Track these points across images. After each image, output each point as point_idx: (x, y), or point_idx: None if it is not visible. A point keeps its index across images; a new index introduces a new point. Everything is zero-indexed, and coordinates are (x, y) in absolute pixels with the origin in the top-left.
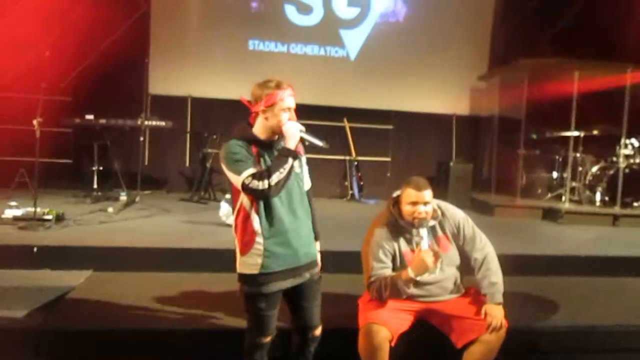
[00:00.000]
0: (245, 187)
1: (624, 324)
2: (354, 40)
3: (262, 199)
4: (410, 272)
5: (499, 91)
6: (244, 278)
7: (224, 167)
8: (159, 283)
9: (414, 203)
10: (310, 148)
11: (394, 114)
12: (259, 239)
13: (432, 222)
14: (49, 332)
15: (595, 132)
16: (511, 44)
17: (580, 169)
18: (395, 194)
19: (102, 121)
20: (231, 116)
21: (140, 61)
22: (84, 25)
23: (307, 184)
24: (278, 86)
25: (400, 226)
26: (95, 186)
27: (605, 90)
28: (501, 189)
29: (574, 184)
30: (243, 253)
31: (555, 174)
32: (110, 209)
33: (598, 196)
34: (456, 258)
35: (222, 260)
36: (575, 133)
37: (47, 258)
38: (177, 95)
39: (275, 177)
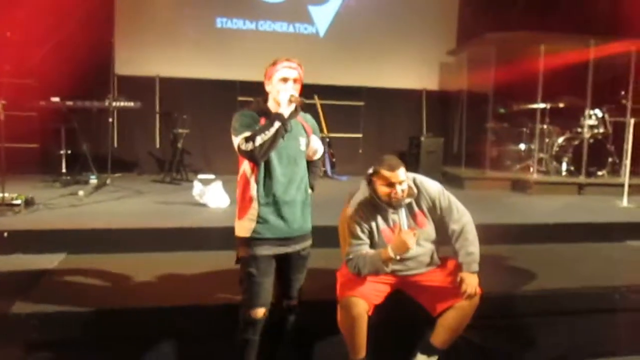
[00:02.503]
0: (239, 149)
1: (590, 286)
2: (322, 17)
3: (252, 161)
4: (390, 252)
5: (467, 65)
6: (239, 241)
7: (231, 133)
8: (136, 264)
9: (390, 184)
10: None
11: (365, 90)
12: (255, 205)
13: (408, 200)
14: (27, 316)
15: (560, 105)
16: (478, 18)
17: (547, 140)
18: (369, 171)
19: (69, 103)
20: (200, 95)
21: (105, 41)
22: (46, 4)
23: (319, 152)
24: (276, 61)
25: (376, 204)
26: (63, 170)
27: (570, 64)
28: (471, 162)
29: (541, 155)
30: (240, 217)
31: (522, 146)
32: (80, 192)
33: (564, 166)
34: (432, 233)
35: (198, 238)
36: (542, 105)
37: (18, 243)
38: (144, 75)
39: (260, 139)
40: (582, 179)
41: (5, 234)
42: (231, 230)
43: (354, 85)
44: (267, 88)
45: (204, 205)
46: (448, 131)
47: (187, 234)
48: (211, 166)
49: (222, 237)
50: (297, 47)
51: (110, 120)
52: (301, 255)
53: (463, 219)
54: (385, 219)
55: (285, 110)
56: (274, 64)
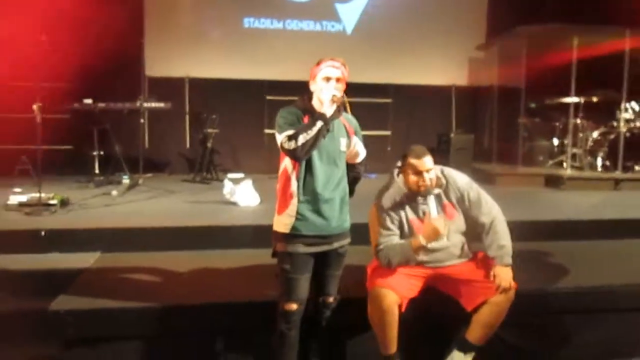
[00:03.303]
0: (282, 147)
1: (629, 283)
2: (349, 14)
3: (295, 159)
4: (421, 240)
5: (497, 60)
6: (277, 236)
7: (275, 130)
8: (169, 262)
9: (417, 172)
10: None
11: (393, 87)
12: (294, 201)
13: (437, 190)
14: (65, 313)
15: (595, 99)
16: (508, 12)
17: (580, 135)
18: (398, 164)
19: (101, 105)
20: (229, 95)
21: (135, 43)
22: (76, 8)
23: (361, 155)
24: (320, 61)
25: (405, 195)
26: (97, 171)
27: (604, 56)
28: (502, 158)
29: (575, 150)
30: (279, 212)
31: (556, 141)
32: (114, 192)
33: (599, 161)
34: (462, 225)
35: (230, 237)
36: (575, 99)
37: (55, 242)
38: (174, 76)
39: (302, 138)
40: (618, 174)
41: (43, 233)
42: (262, 228)
43: (382, 82)
44: (312, 87)
45: (234, 203)
46: (478, 127)
47: (218, 232)
48: (240, 165)
49: (253, 235)
50: (324, 45)
51: (142, 121)
52: (339, 253)
53: (493, 212)
54: (415, 210)
55: (328, 109)
56: (318, 63)
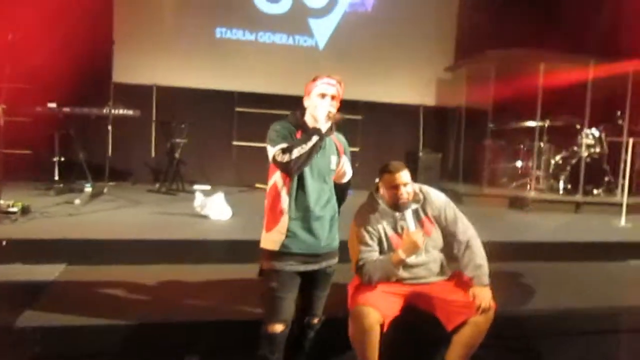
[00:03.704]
0: (274, 160)
1: (601, 306)
2: (322, 30)
3: (287, 173)
4: (400, 254)
5: (465, 82)
6: (264, 254)
7: (267, 144)
8: (138, 276)
9: (394, 186)
10: None
11: (363, 104)
12: (285, 219)
13: (414, 205)
14: (32, 330)
15: (558, 123)
16: (476, 35)
17: (544, 158)
18: (377, 180)
19: (66, 110)
20: (197, 105)
21: (103, 48)
22: (45, 8)
23: (348, 175)
24: (316, 77)
25: (383, 211)
26: (56, 178)
27: (568, 83)
28: (468, 178)
29: (538, 173)
30: (268, 229)
31: (519, 164)
32: (77, 201)
33: (561, 184)
34: (440, 241)
35: (203, 251)
36: (540, 123)
37: (17, 252)
38: (141, 83)
39: (296, 152)
40: (579, 197)
41: (4, 243)
42: (236, 243)
43: (352, 99)
44: (306, 103)
45: (204, 217)
46: (445, 147)
47: (190, 246)
48: (206, 177)
49: (227, 249)
50: (296, 59)
51: (109, 128)
52: (326, 273)
53: (469, 232)
54: (393, 226)
55: (323, 125)
56: (314, 79)
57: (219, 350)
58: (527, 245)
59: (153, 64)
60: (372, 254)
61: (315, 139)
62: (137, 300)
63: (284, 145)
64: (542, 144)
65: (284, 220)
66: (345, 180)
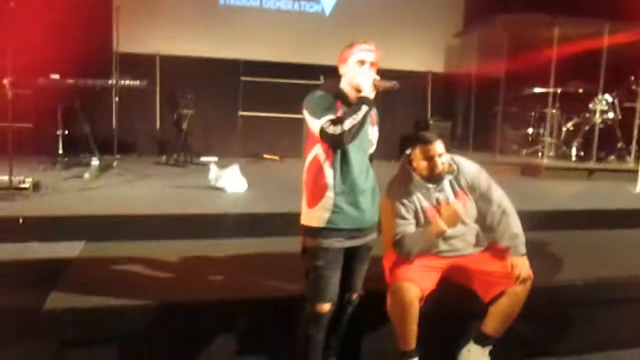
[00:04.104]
0: (323, 132)
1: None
2: None
3: (337, 145)
4: (442, 225)
5: (477, 48)
6: (308, 231)
7: (305, 113)
8: (161, 253)
9: (429, 157)
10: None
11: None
12: (330, 194)
13: (449, 176)
14: (62, 312)
15: (571, 89)
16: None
17: (556, 125)
18: (407, 151)
19: (70, 81)
20: (202, 75)
21: (104, 16)
22: None
23: (374, 147)
24: (353, 43)
25: (417, 183)
26: (60, 152)
27: (583, 49)
28: (479, 146)
29: (550, 140)
30: (311, 206)
31: (531, 130)
32: (86, 175)
33: (574, 151)
34: (474, 212)
35: (223, 226)
36: (552, 90)
37: (34, 230)
38: (143, 52)
39: (348, 123)
40: (592, 164)
41: (21, 221)
42: (256, 216)
43: None
44: (342, 70)
45: (220, 189)
46: (454, 115)
47: (208, 220)
48: (212, 148)
49: (246, 223)
50: (302, 25)
51: (116, 99)
52: (368, 246)
53: (503, 201)
54: (428, 198)
55: (370, 94)
56: (351, 46)
57: (252, 330)
58: (544, 214)
59: (155, 32)
60: (409, 227)
61: (365, 108)
62: (161, 279)
63: (331, 116)
64: (553, 111)
65: (329, 196)
66: (371, 151)
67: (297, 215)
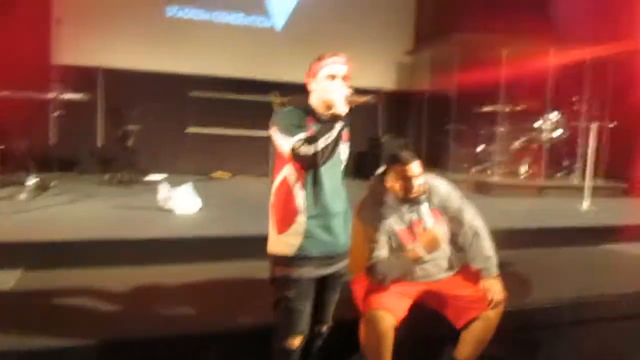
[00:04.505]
0: (295, 153)
1: (599, 294)
2: (280, 10)
3: (310, 166)
4: (419, 250)
5: (429, 66)
6: (276, 259)
7: (274, 132)
8: (106, 281)
9: (406, 178)
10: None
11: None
12: (301, 218)
13: (424, 200)
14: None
15: (520, 108)
16: (435, 18)
17: (505, 143)
18: (378, 171)
19: (5, 93)
20: (148, 90)
21: (42, 27)
22: None
23: (343, 165)
24: (322, 56)
25: (390, 204)
26: None
27: (531, 68)
28: (431, 164)
29: (500, 157)
30: (280, 231)
31: (481, 148)
32: (22, 196)
33: (523, 169)
34: (447, 233)
35: (174, 249)
36: (502, 108)
37: None
38: (85, 65)
39: (322, 143)
40: (541, 181)
41: None
42: (214, 240)
43: None
44: (311, 86)
45: (169, 211)
46: (405, 132)
47: (160, 244)
48: (160, 166)
49: (204, 247)
50: (253, 40)
51: (56, 113)
52: (340, 274)
53: (476, 222)
54: (401, 219)
55: (343, 110)
56: (320, 59)
57: None
58: (502, 232)
59: (99, 44)
60: (383, 251)
61: (339, 126)
62: (109, 313)
63: (303, 135)
64: (502, 129)
65: (300, 220)
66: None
67: (256, 239)
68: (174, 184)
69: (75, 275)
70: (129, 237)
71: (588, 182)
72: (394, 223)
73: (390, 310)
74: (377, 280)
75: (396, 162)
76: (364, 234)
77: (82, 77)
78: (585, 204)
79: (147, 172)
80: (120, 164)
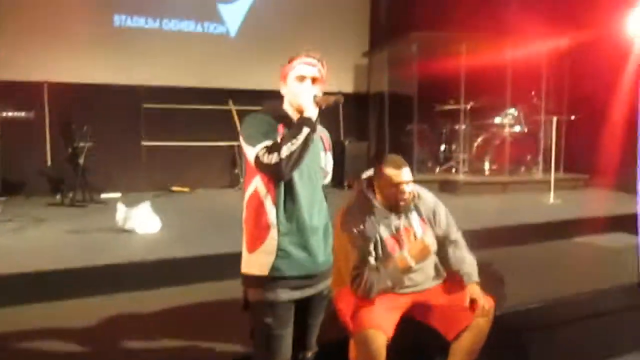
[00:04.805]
0: (258, 162)
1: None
2: (233, 16)
3: (276, 177)
4: (409, 260)
5: (387, 67)
6: (249, 281)
7: (241, 141)
8: (69, 315)
9: (397, 184)
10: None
11: (280, 94)
12: (273, 234)
13: (412, 208)
14: None
15: (479, 105)
16: (392, 17)
17: (467, 140)
18: (365, 176)
19: None
20: (97, 103)
21: None
22: None
23: (329, 176)
24: (292, 58)
25: (377, 211)
26: None
27: (489, 64)
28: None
29: (463, 155)
30: (251, 250)
31: (443, 147)
32: None
33: (486, 165)
34: (435, 242)
35: (139, 276)
36: (463, 106)
37: None
38: (29, 80)
39: (286, 149)
40: (505, 177)
41: None
42: (179, 262)
43: (269, 89)
44: (283, 91)
45: (129, 231)
46: (367, 135)
47: (123, 270)
48: (115, 183)
49: (167, 270)
50: (206, 48)
51: None
52: (323, 296)
53: (459, 232)
54: (388, 227)
55: (313, 114)
56: (290, 60)
57: None
58: (475, 232)
59: (43, 57)
60: (370, 259)
61: (306, 130)
62: (71, 352)
63: (268, 142)
64: (463, 126)
65: (273, 237)
66: (325, 182)
67: (223, 257)
68: (131, 201)
69: (28, 311)
70: (87, 264)
71: (553, 176)
72: (380, 231)
73: (381, 329)
74: (363, 292)
75: (386, 166)
76: (349, 242)
77: (26, 93)
78: (551, 198)
79: (101, 191)
80: (72, 184)
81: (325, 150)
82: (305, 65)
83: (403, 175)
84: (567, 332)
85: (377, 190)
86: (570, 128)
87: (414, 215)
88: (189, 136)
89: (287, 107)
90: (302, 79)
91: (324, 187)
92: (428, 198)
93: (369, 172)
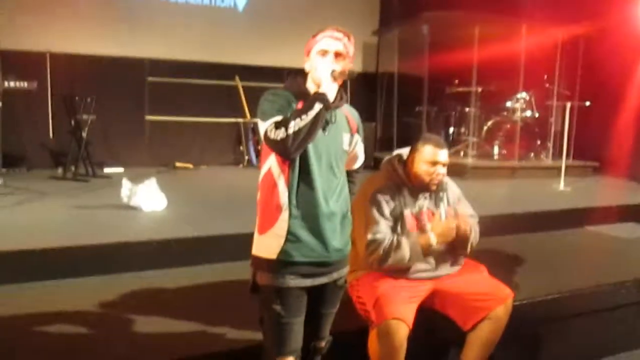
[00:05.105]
0: (266, 138)
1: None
2: None
3: (282, 154)
4: (432, 238)
5: (397, 47)
6: (258, 263)
7: (257, 118)
8: (72, 296)
9: (433, 163)
10: None
11: (287, 71)
12: (284, 216)
13: (443, 191)
14: None
15: (491, 88)
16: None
17: (477, 124)
18: (397, 152)
19: None
20: (101, 76)
21: None
22: None
23: (360, 160)
24: (318, 32)
25: (404, 187)
26: None
27: (503, 47)
28: (402, 146)
29: (472, 139)
30: (262, 231)
31: (452, 130)
32: None
33: (495, 150)
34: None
35: (147, 255)
36: (474, 89)
37: None
38: (31, 50)
39: (294, 125)
40: (514, 162)
41: None
42: (187, 241)
43: (276, 65)
44: (306, 66)
45: (134, 208)
46: (374, 115)
47: (129, 250)
48: (118, 158)
49: (176, 250)
50: (213, 21)
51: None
52: (338, 285)
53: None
54: (411, 205)
55: (329, 89)
56: (315, 35)
57: None
58: (482, 218)
59: (45, 27)
60: (389, 229)
61: (318, 106)
62: (74, 334)
63: (279, 117)
64: (474, 110)
65: (283, 219)
66: (355, 166)
67: (233, 237)
68: (134, 176)
69: (30, 291)
70: (92, 242)
71: (564, 163)
72: (403, 206)
73: (403, 319)
74: (378, 259)
75: (428, 143)
76: (371, 207)
77: (28, 63)
78: (561, 185)
79: (104, 165)
80: (74, 157)
81: (351, 131)
82: (330, 39)
83: (441, 155)
84: (582, 324)
85: (410, 167)
86: (581, 114)
87: (443, 201)
88: (194, 112)
89: (310, 84)
90: (324, 53)
91: (354, 171)
92: (454, 187)
93: (400, 151)
